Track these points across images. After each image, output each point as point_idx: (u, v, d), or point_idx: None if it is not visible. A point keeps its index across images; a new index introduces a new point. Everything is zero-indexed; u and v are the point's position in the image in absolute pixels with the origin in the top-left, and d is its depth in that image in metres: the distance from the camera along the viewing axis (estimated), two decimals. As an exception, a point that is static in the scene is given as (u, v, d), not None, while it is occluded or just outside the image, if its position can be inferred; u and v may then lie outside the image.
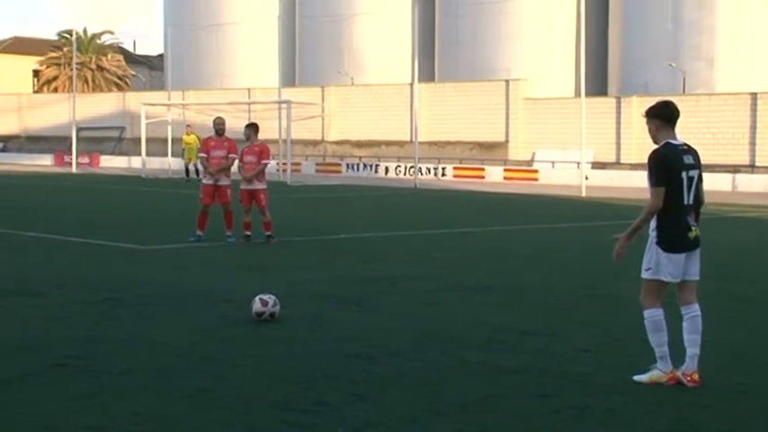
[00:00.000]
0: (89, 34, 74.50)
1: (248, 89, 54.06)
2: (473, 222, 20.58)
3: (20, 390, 6.08)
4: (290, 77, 58.98)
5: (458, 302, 9.83)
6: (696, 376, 6.38)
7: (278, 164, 40.69)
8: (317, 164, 48.72)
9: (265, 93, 51.68)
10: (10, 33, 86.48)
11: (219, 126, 15.25)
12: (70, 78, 61.44)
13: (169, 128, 43.65)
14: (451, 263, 13.25)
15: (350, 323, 8.52)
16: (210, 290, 10.23)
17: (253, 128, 15.09)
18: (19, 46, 79.29)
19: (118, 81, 72.91)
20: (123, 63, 74.85)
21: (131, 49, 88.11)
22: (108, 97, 64.01)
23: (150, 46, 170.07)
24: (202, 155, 15.32)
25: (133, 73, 75.38)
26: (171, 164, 42.85)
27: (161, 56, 75.15)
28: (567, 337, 8.03)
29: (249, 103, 49.51)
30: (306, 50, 60.79)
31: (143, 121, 42.98)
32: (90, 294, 9.75)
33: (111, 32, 78.21)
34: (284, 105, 41.31)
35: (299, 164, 46.09)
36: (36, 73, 77.03)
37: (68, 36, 66.63)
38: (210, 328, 8.13)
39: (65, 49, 69.89)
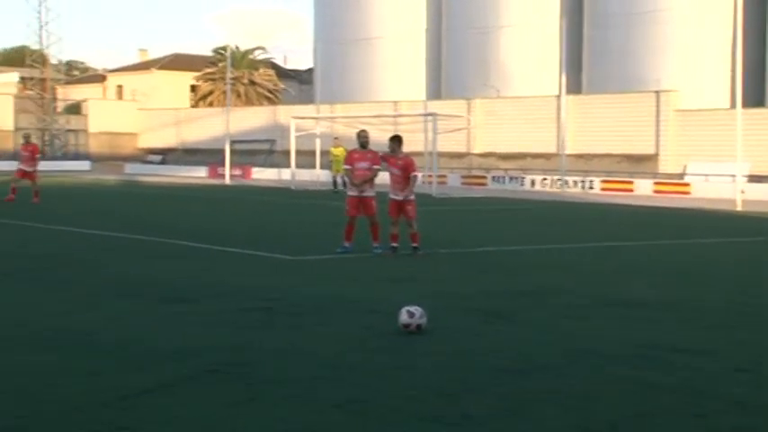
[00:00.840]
0: (242, 50, 76.80)
1: (394, 102, 54.58)
2: (621, 236, 20.12)
3: (177, 393, 6.28)
4: (435, 90, 59.20)
5: (607, 317, 9.63)
6: None
7: (423, 176, 40.80)
8: (463, 176, 48.68)
9: (411, 106, 52.04)
10: (171, 51, 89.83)
11: (363, 139, 15.45)
12: (224, 93, 63.47)
13: (317, 140, 44.46)
14: (600, 277, 12.99)
15: (497, 336, 8.46)
16: (358, 300, 10.34)
17: (397, 140, 15.24)
18: (179, 63, 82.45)
19: (269, 95, 74.85)
20: (274, 77, 76.80)
21: (282, 64, 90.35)
22: (260, 111, 65.78)
23: (300, 61, 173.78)
24: (347, 167, 15.54)
25: (284, 87, 77.23)
26: (319, 176, 43.62)
27: (310, 70, 76.73)
28: (721, 354, 7.75)
29: (395, 116, 49.93)
30: (452, 63, 60.94)
31: (292, 134, 43.92)
32: (243, 303, 10.01)
33: (263, 48, 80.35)
34: (430, 118, 41.46)
35: (444, 176, 46.17)
36: (193, 88, 79.96)
37: (223, 52, 68.92)
38: (358, 339, 8.22)
39: (220, 65, 72.25)
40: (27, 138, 27.44)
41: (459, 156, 52.27)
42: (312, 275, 12.67)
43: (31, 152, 26.53)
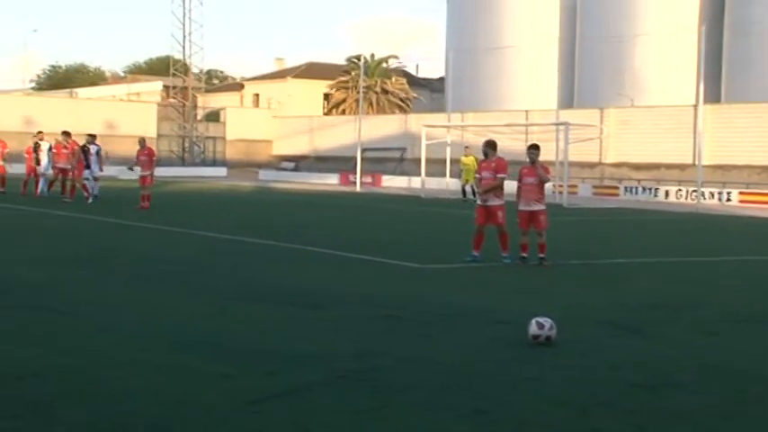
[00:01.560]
0: (375, 59, 77.57)
1: (526, 111, 54.09)
2: (759, 250, 19.36)
3: (306, 399, 6.35)
4: (567, 99, 58.44)
5: (743, 334, 9.28)
6: None
7: (554, 185, 40.27)
8: (594, 186, 47.82)
9: (543, 115, 51.46)
10: (306, 60, 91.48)
11: (487, 147, 15.38)
12: (357, 101, 64.24)
13: (448, 149, 44.43)
14: (737, 292, 12.53)
15: (628, 351, 8.25)
16: (486, 310, 10.27)
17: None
18: (313, 71, 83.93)
19: (401, 103, 75.34)
20: (406, 86, 77.26)
21: (414, 73, 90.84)
22: (391, 119, 66.27)
23: (432, 69, 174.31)
24: (478, 176, 15.52)
25: (415, 95, 77.59)
26: (449, 184, 43.59)
27: (442, 79, 76.93)
28: None
29: (526, 125, 49.48)
30: (585, 72, 60.06)
31: (423, 143, 44.02)
32: (372, 310, 10.07)
33: (396, 57, 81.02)
34: (561, 127, 40.93)
35: (575, 186, 45.46)
36: (326, 96, 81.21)
37: (356, 61, 69.74)
38: (486, 349, 8.16)
39: (353, 74, 73.17)
40: (143, 142, 27.33)
41: (591, 165, 51.39)
42: (440, 284, 12.65)
43: (149, 155, 26.56)
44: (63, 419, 5.71)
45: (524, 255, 14.75)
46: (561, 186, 38.99)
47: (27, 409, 5.92)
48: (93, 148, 28.94)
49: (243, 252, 15.85)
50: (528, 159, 15.09)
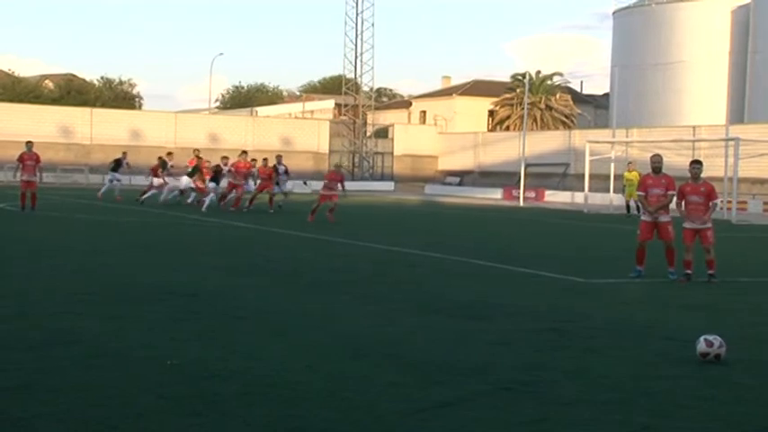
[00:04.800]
0: (540, 76, 76.79)
1: (693, 127, 52.21)
2: None
3: (470, 409, 6.30)
4: (738, 114, 56.09)
5: None
6: None
7: (722, 202, 38.62)
8: (766, 203, 45.60)
9: (711, 130, 49.57)
10: (471, 77, 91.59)
11: (656, 164, 14.92)
12: (521, 118, 63.79)
13: (612, 165, 43.47)
14: None
15: (803, 373, 7.80)
16: (652, 326, 9.95)
17: (698, 165, 14.63)
18: (478, 89, 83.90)
19: (564, 119, 74.24)
20: (570, 102, 76.07)
21: (578, 89, 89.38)
22: (554, 135, 65.40)
23: (596, 86, 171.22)
24: (640, 192, 15.04)
25: (579, 112, 76.31)
26: (612, 200, 42.58)
27: (606, 95, 75.34)
28: None
29: (693, 141, 47.77)
30: (757, 86, 57.49)
31: (587, 158, 43.22)
32: (536, 323, 9.93)
33: (561, 74, 79.87)
34: (731, 143, 39.28)
35: (744, 202, 43.49)
36: (491, 113, 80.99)
37: (521, 78, 69.28)
38: (653, 365, 7.89)
39: (517, 91, 72.68)
40: (338, 167, 28.89)
41: (762, 181, 49.04)
42: (605, 298, 12.35)
43: (340, 180, 27.31)
44: (241, 419, 5.88)
45: (689, 271, 14.24)
46: (730, 202, 37.40)
47: (208, 407, 6.13)
48: (280, 168, 31.52)
49: (412, 264, 15.95)
50: (690, 175, 14.55)
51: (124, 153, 38.53)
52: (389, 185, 64.72)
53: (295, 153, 64.92)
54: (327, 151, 68.73)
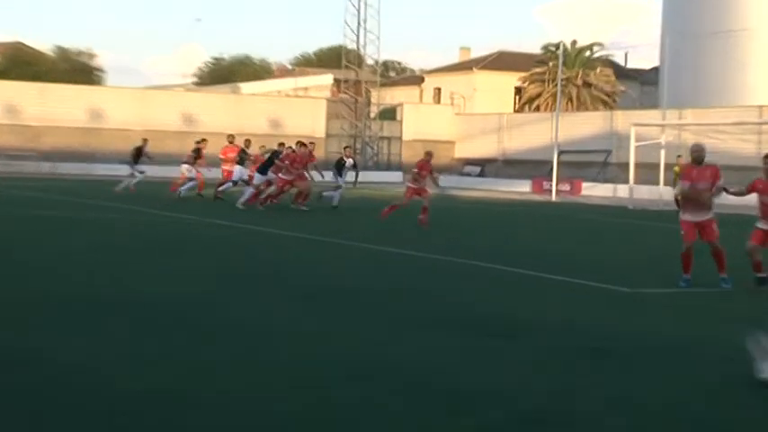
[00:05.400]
0: (576, 47, 76.79)
1: (759, 107, 52.19)
2: None
3: (494, 441, 6.35)
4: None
5: None
6: None
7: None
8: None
9: (780, 111, 49.57)
10: (495, 48, 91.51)
11: (697, 153, 14.92)
12: (554, 96, 63.77)
13: (662, 152, 43.40)
14: None
15: None
16: (706, 344, 9.97)
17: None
18: (503, 62, 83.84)
19: (605, 98, 74.25)
20: (612, 78, 76.09)
21: (622, 63, 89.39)
22: (593, 116, 65.36)
23: (644, 59, 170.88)
24: (683, 184, 14.93)
25: (623, 89, 76.33)
26: (662, 194, 42.54)
27: (655, 69, 75.29)
28: None
29: (759, 124, 47.76)
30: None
31: (632, 144, 43.21)
32: (572, 341, 9.94)
33: (601, 44, 79.79)
34: (803, 126, 39.29)
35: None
36: (518, 90, 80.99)
37: (554, 50, 69.32)
38: (705, 390, 7.92)
39: (550, 65, 72.67)
40: (430, 154, 28.32)
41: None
42: (651, 311, 12.37)
43: (430, 171, 27.07)
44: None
45: (762, 275, 14.30)
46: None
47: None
48: (348, 162, 35.89)
49: (425, 269, 15.97)
50: (764, 171, 14.56)
51: (144, 140, 37.13)
52: (397, 176, 64.72)
53: (286, 137, 64.87)
54: (324, 135, 68.76)
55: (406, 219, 25.56)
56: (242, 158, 32.52)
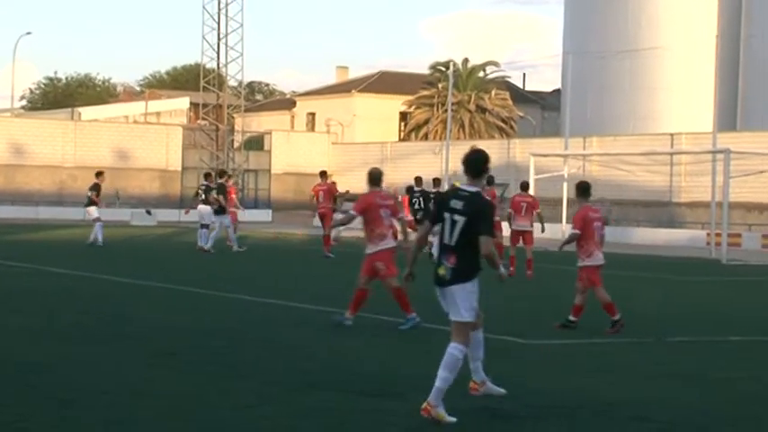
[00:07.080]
0: (468, 67, 77.85)
1: (671, 135, 53.56)
2: None
3: None
4: (729, 119, 57.77)
5: None
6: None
7: (708, 234, 39.68)
8: (765, 235, 46.96)
9: (695, 140, 50.90)
10: (376, 68, 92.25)
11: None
12: (443, 122, 64.42)
13: (565, 185, 44.12)
14: None
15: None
16: (619, 403, 10.09)
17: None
18: (385, 83, 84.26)
19: (502, 125, 75.34)
20: (509, 102, 77.25)
21: (520, 85, 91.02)
22: (488, 145, 65.55)
23: (544, 81, 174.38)
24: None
25: (521, 114, 77.49)
26: (564, 232, 43.14)
27: (557, 92, 76.92)
28: None
29: (672, 153, 49.02)
30: (753, 82, 59.34)
31: (531, 176, 43.79)
32: (465, 400, 9.92)
33: (496, 64, 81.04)
34: (720, 156, 40.40)
35: (738, 235, 44.71)
36: (403, 116, 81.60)
37: (443, 70, 70.10)
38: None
39: (439, 86, 73.48)
40: (525, 186, 28.00)
41: (760, 207, 50.53)
42: (551, 365, 12.51)
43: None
44: None
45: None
46: (719, 236, 38.37)
47: None
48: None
49: (296, 322, 15.89)
50: None
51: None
52: (266, 214, 64.47)
53: (134, 171, 64.25)
54: (180, 168, 68.09)
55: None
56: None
